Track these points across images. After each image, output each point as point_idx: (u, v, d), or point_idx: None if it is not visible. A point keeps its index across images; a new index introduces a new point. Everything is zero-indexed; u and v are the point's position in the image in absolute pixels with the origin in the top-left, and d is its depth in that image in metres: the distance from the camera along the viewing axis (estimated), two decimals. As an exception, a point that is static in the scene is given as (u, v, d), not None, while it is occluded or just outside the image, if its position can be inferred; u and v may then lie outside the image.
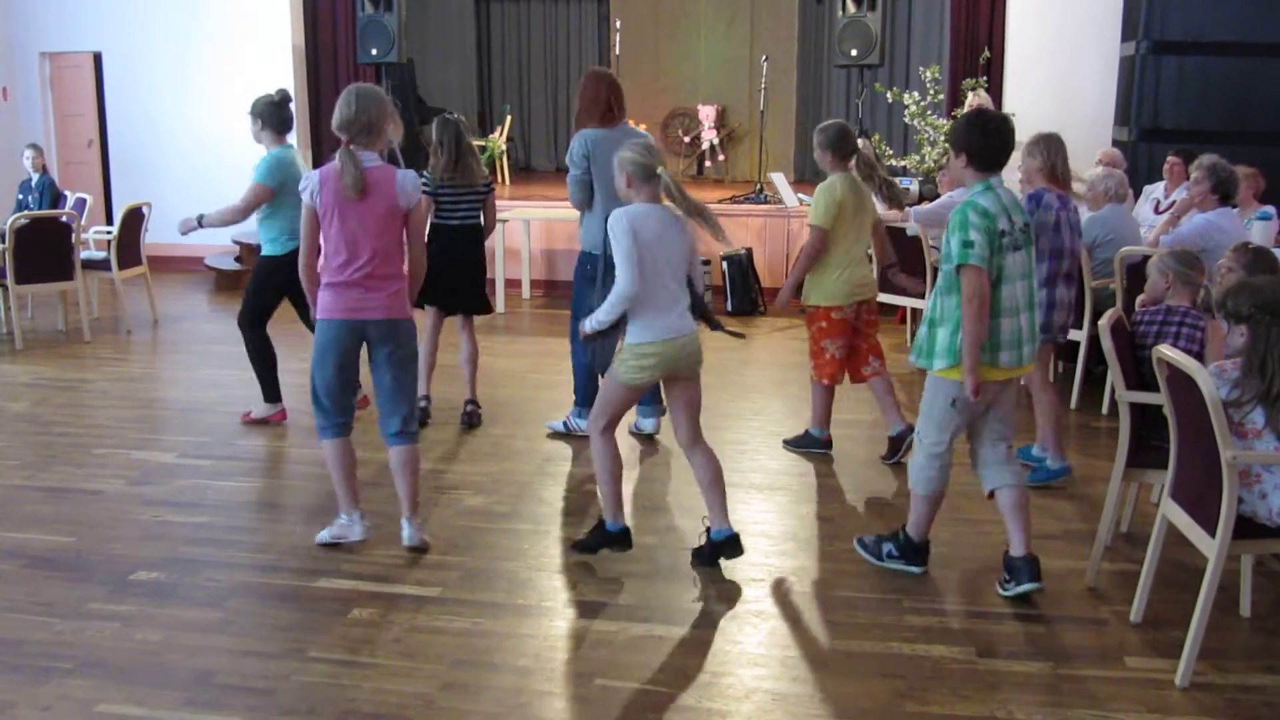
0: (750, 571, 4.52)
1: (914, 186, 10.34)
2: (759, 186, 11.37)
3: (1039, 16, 10.88)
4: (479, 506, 5.23)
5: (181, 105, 12.44)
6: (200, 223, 6.21)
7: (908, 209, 7.29)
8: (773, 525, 5.05)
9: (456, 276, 6.25)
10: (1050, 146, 5.44)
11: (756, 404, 6.99)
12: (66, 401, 7.08)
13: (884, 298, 7.85)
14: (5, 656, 3.79)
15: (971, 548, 4.72)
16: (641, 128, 12.68)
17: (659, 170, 4.35)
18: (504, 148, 13.43)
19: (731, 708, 3.51)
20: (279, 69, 11.97)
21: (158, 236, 9.87)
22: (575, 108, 6.04)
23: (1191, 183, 6.82)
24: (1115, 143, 10.06)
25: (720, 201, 11.13)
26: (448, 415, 6.51)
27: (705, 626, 4.04)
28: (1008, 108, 10.59)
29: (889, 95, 11.54)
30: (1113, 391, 5.55)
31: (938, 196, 8.57)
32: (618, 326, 4.33)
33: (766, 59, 11.95)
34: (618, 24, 13.44)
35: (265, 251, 6.25)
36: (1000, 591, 4.29)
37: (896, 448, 5.81)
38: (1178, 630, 3.80)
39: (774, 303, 6.09)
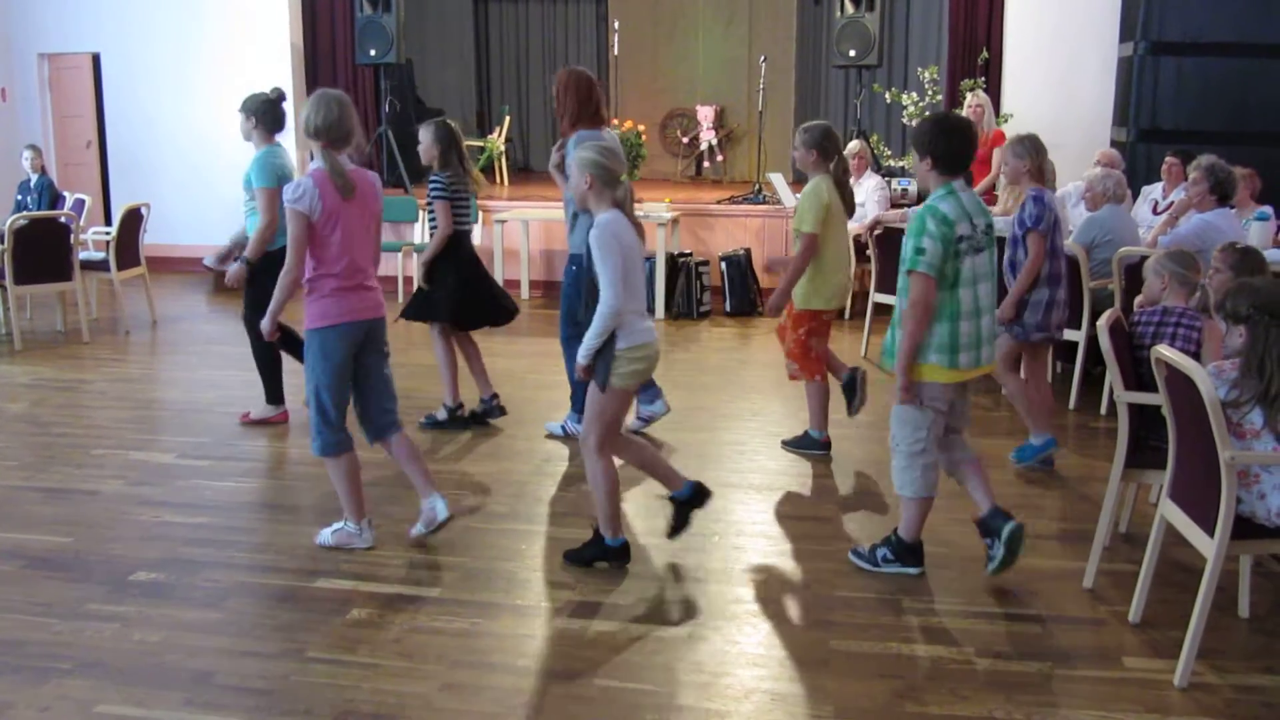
0: (749, 572, 4.52)
1: (912, 187, 10.35)
2: (757, 187, 11.38)
3: (1037, 17, 10.88)
4: (478, 507, 5.23)
5: (180, 106, 12.44)
6: (249, 265, 6.03)
7: (907, 210, 7.31)
8: (771, 526, 5.05)
9: (488, 285, 6.43)
10: (1035, 147, 5.62)
11: (755, 405, 7.00)
12: (65, 402, 7.08)
13: (881, 298, 7.88)
14: (4, 657, 3.79)
15: (971, 548, 4.71)
16: (640, 128, 12.76)
17: (623, 178, 4.34)
18: (502, 148, 13.45)
19: (731, 708, 3.51)
20: (278, 70, 11.97)
21: (156, 237, 9.88)
22: (573, 109, 5.92)
23: (1189, 183, 6.82)
24: (1113, 143, 10.07)
25: (719, 202, 11.14)
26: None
27: (704, 627, 4.04)
28: (1006, 108, 10.60)
29: (887, 96, 11.55)
30: (1111, 392, 5.55)
31: (922, 199, 8.58)
32: (610, 343, 4.30)
33: (765, 60, 11.96)
34: (616, 25, 13.46)
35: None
36: (990, 566, 4.32)
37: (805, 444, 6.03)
38: (1176, 631, 3.80)
39: (767, 311, 6.08)
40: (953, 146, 4.22)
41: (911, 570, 4.45)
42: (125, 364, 8.22)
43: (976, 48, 11.09)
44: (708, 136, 15.08)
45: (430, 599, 4.24)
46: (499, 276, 10.19)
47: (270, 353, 6.37)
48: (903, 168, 10.89)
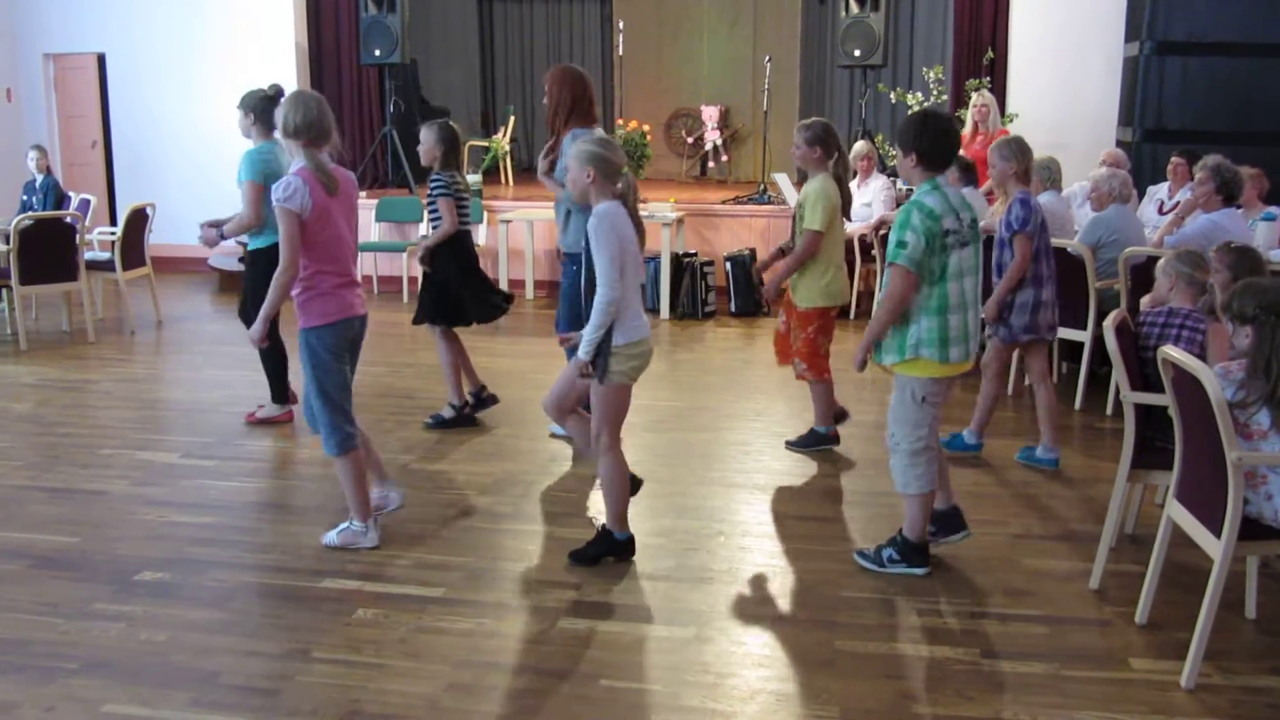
0: (755, 572, 4.52)
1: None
2: (762, 187, 11.38)
3: (1042, 17, 10.87)
4: (483, 507, 5.23)
5: (185, 106, 12.45)
6: (222, 234, 6.15)
7: None
8: (776, 526, 5.05)
9: (484, 285, 6.46)
10: (1021, 149, 5.67)
11: (759, 405, 6.99)
12: (71, 402, 7.09)
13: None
14: (10, 657, 3.79)
15: (976, 548, 4.71)
16: (645, 128, 12.76)
17: (624, 169, 4.33)
18: (507, 148, 13.44)
19: (736, 709, 3.51)
20: (282, 70, 11.97)
21: (161, 237, 9.89)
22: (567, 107, 5.90)
23: (1195, 183, 6.81)
24: (1119, 143, 10.06)
25: (724, 202, 11.14)
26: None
27: (710, 627, 4.04)
28: (1011, 108, 10.60)
29: (892, 96, 11.54)
30: (1117, 392, 5.55)
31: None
32: (607, 338, 4.29)
33: (770, 60, 11.95)
34: (621, 25, 13.45)
35: (254, 245, 6.24)
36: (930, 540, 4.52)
37: (811, 441, 6.06)
38: (1183, 632, 3.79)
39: (766, 294, 6.10)
40: (937, 142, 4.26)
41: (917, 571, 4.44)
42: (130, 364, 8.23)
43: (981, 47, 11.08)
44: (712, 137, 15.08)
45: (435, 599, 4.24)
46: (504, 276, 10.22)
47: (275, 352, 6.37)
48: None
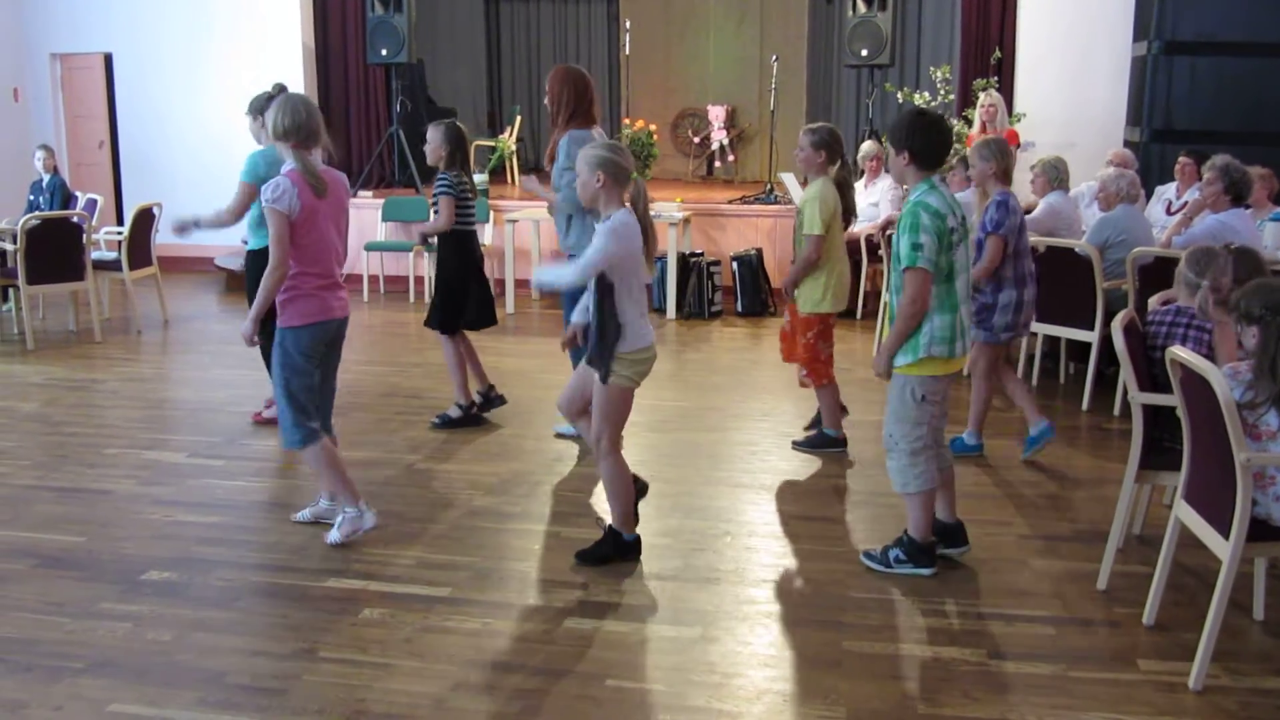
0: (761, 573, 4.51)
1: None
2: (769, 187, 11.37)
3: (1050, 16, 10.85)
4: (489, 507, 5.23)
5: (192, 106, 12.47)
6: (198, 225, 6.11)
7: None
8: (783, 526, 5.04)
9: (485, 284, 6.47)
10: (1000, 149, 5.70)
11: (766, 405, 6.99)
12: (77, 401, 7.10)
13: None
14: (17, 656, 3.80)
15: (983, 549, 4.70)
16: (652, 128, 12.75)
17: (634, 174, 4.34)
18: (514, 148, 13.44)
19: (743, 709, 3.50)
20: (289, 70, 11.98)
21: (168, 237, 9.87)
22: (569, 106, 5.90)
23: (1204, 183, 6.79)
24: (1127, 143, 10.04)
25: (730, 202, 11.13)
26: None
27: (716, 627, 4.03)
28: (1019, 108, 10.57)
29: (900, 95, 11.52)
30: (1125, 393, 5.53)
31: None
32: (616, 333, 4.30)
33: (776, 59, 11.94)
34: (627, 24, 13.45)
35: (254, 245, 6.25)
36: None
37: (819, 442, 6.07)
38: (1191, 633, 3.78)
39: (784, 289, 6.11)
40: (930, 141, 4.27)
41: (924, 571, 4.43)
42: (137, 363, 8.24)
43: (989, 47, 11.06)
44: (719, 136, 15.07)
45: (442, 599, 4.24)
46: (509, 276, 10.22)
47: None
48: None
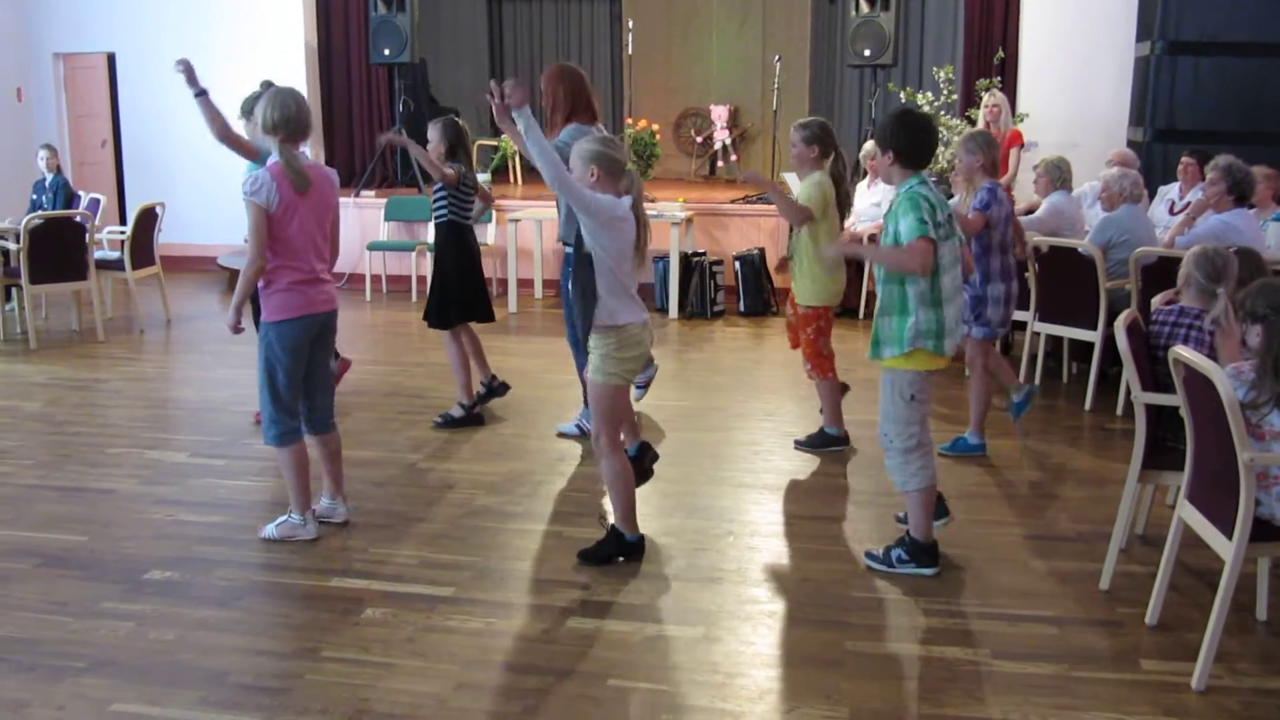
0: (764, 572, 4.51)
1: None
2: (771, 187, 11.33)
3: (1053, 16, 10.84)
4: (491, 506, 5.23)
5: (195, 105, 12.45)
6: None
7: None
8: (786, 526, 5.04)
9: (480, 279, 6.48)
10: (985, 142, 5.76)
11: (769, 405, 6.98)
12: (80, 401, 7.10)
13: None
14: (19, 655, 3.80)
15: (985, 549, 4.70)
16: (654, 128, 12.75)
17: (629, 166, 4.34)
18: (516, 148, 13.42)
19: (745, 709, 3.50)
20: (292, 69, 11.99)
21: (171, 236, 9.91)
22: (567, 104, 5.91)
23: (1207, 183, 6.79)
24: (1130, 143, 10.02)
25: (733, 201, 11.12)
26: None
27: (718, 627, 4.03)
28: (1022, 108, 10.56)
29: (902, 95, 11.50)
30: (1128, 393, 5.53)
31: (951, 197, 8.56)
32: (592, 301, 4.28)
33: (779, 59, 11.94)
34: (630, 24, 13.44)
35: None
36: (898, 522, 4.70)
37: (821, 441, 6.07)
38: (1194, 633, 3.78)
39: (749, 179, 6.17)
40: (915, 140, 4.31)
41: (927, 571, 4.43)
42: (140, 363, 8.24)
43: (992, 47, 11.05)
44: (722, 136, 15.06)
45: (444, 598, 4.24)
46: (512, 275, 10.22)
47: None
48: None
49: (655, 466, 4.98)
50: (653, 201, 10.39)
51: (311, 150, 10.21)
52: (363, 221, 11.36)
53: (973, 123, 10.27)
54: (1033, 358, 7.46)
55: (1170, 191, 8.52)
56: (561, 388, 7.15)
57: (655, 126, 12.85)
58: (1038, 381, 7.19)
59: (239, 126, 6.38)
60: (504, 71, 16.23)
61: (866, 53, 11.18)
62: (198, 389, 7.63)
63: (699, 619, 4.09)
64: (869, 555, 4.56)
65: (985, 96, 9.75)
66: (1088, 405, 6.87)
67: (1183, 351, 3.68)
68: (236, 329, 4.66)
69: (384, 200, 11.34)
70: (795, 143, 5.80)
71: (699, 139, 15.35)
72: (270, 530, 4.80)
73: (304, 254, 4.55)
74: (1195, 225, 6.85)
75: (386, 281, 11.20)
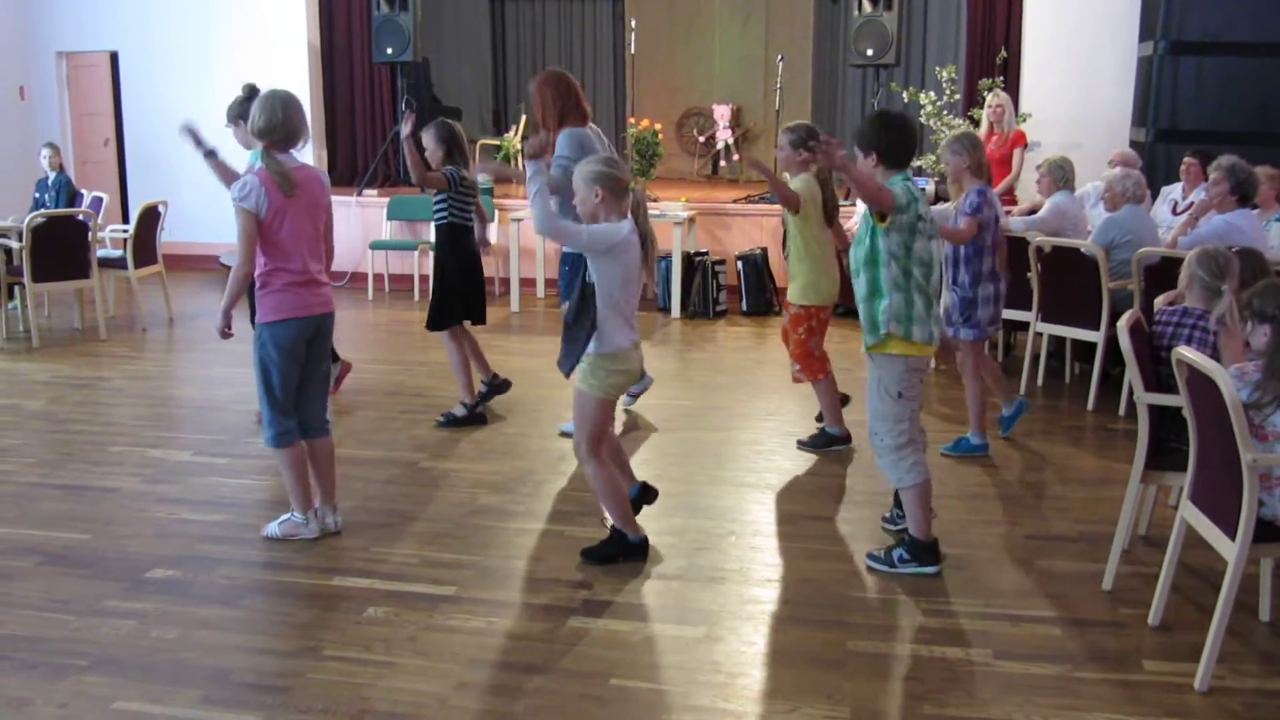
0: (765, 572, 4.51)
1: (930, 187, 10.30)
2: (773, 186, 11.33)
3: (1056, 16, 10.83)
4: (494, 505, 5.23)
5: (197, 104, 12.42)
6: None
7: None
8: (787, 526, 5.04)
9: (479, 281, 6.47)
10: (972, 143, 5.78)
11: (771, 404, 6.98)
12: (83, 399, 7.11)
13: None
14: (22, 653, 3.80)
15: (988, 549, 4.70)
16: (657, 127, 12.74)
17: (631, 185, 4.36)
18: (519, 147, 13.43)
19: (747, 708, 3.50)
20: (295, 68, 12.00)
21: (174, 235, 9.92)
22: (557, 108, 5.94)
23: (1210, 184, 6.78)
24: (1133, 143, 10.01)
25: (735, 201, 11.13)
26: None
27: (720, 627, 4.03)
28: (1025, 108, 10.55)
29: (905, 95, 11.49)
30: (1130, 393, 5.54)
31: (945, 200, 8.55)
32: (590, 330, 4.32)
33: (782, 58, 11.94)
34: (633, 23, 13.44)
35: None
36: (884, 525, 4.85)
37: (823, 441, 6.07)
38: (1197, 634, 3.78)
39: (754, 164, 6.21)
40: (895, 140, 4.34)
41: (928, 570, 4.42)
42: (142, 361, 8.25)
43: (995, 47, 11.04)
44: (724, 135, 15.06)
45: (446, 597, 4.24)
46: (514, 275, 10.23)
47: None
48: (920, 167, 10.83)
49: (656, 466, 4.98)
50: (655, 201, 10.40)
51: (313, 150, 10.21)
52: (365, 220, 11.36)
53: (975, 122, 10.26)
54: (1035, 358, 7.45)
55: (1173, 192, 8.51)
56: (563, 387, 7.11)
57: (658, 126, 12.80)
58: (1040, 382, 7.19)
59: (227, 133, 6.37)
60: (506, 71, 16.23)
61: (869, 52, 11.17)
62: (200, 387, 7.63)
63: (701, 618, 4.09)
64: (870, 556, 4.56)
65: (989, 97, 9.74)
66: (1090, 405, 6.87)
67: (1186, 352, 3.68)
68: (225, 333, 4.67)
69: (386, 199, 11.34)
70: (782, 146, 5.88)
71: (701, 138, 15.35)
72: (272, 529, 4.81)
73: (297, 256, 4.56)
74: (1198, 226, 6.85)
75: (389, 280, 11.21)
